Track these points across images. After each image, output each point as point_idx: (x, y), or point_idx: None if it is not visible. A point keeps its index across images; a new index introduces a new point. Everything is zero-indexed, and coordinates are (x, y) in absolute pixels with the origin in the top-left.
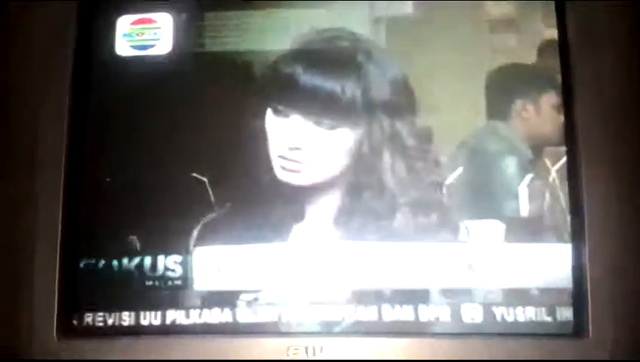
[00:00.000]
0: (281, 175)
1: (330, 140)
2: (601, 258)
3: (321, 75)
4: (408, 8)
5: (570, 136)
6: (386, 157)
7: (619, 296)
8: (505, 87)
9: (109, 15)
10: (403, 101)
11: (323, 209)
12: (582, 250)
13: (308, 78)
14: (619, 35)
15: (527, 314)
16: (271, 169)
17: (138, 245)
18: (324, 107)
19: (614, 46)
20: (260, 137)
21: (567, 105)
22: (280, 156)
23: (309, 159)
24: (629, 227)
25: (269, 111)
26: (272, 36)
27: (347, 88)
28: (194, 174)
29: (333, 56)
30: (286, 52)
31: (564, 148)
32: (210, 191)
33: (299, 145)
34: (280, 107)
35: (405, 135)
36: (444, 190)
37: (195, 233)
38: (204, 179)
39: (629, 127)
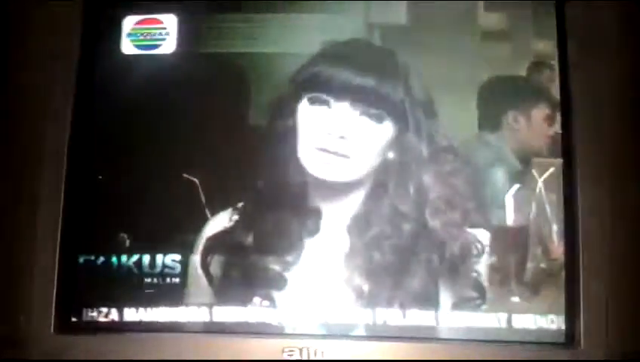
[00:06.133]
0: (316, 170)
1: (375, 133)
2: (594, 267)
3: (366, 69)
4: (402, 18)
5: (566, 146)
6: (414, 163)
7: (611, 306)
8: (496, 98)
9: (115, 15)
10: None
11: (342, 211)
12: (575, 260)
13: (353, 70)
14: (618, 45)
15: (519, 322)
16: (299, 164)
17: (138, 242)
18: (372, 97)
19: (613, 57)
20: (288, 135)
21: (565, 116)
22: (321, 149)
23: (351, 151)
24: (623, 236)
25: (304, 102)
26: (282, 39)
27: (393, 84)
28: (185, 175)
29: (375, 58)
30: (307, 53)
31: (552, 160)
32: (202, 194)
33: (343, 133)
34: (321, 96)
35: (433, 147)
36: (454, 205)
37: (195, 231)
38: (196, 180)
39: (625, 138)
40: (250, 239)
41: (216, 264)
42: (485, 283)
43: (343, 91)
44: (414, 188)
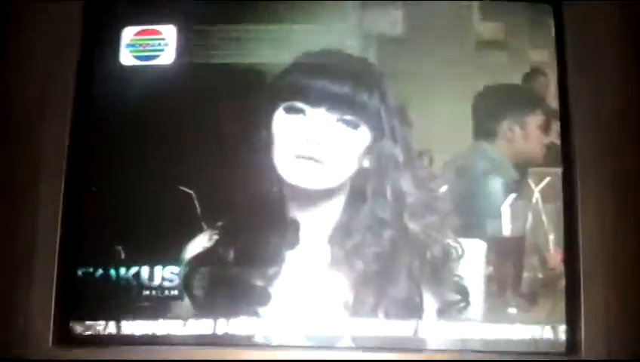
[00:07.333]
0: (294, 177)
1: (351, 139)
2: (595, 277)
3: (342, 77)
4: (398, 28)
5: (566, 154)
6: (392, 170)
7: (612, 316)
8: (492, 107)
9: (114, 26)
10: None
11: (321, 222)
12: (576, 268)
13: (329, 79)
14: (617, 50)
15: (517, 332)
16: (276, 174)
17: (136, 254)
18: (348, 104)
19: (612, 62)
20: (265, 145)
21: (564, 124)
22: (299, 156)
23: (329, 157)
24: (623, 246)
25: (279, 112)
26: (276, 50)
27: (368, 92)
28: (181, 187)
29: (350, 67)
30: (296, 64)
31: (548, 169)
32: (198, 206)
33: (320, 140)
34: (297, 104)
35: (409, 153)
36: (432, 209)
37: (189, 244)
38: (191, 193)
39: (625, 146)
40: (232, 255)
41: (199, 282)
42: (468, 286)
43: (319, 99)
44: (392, 193)
